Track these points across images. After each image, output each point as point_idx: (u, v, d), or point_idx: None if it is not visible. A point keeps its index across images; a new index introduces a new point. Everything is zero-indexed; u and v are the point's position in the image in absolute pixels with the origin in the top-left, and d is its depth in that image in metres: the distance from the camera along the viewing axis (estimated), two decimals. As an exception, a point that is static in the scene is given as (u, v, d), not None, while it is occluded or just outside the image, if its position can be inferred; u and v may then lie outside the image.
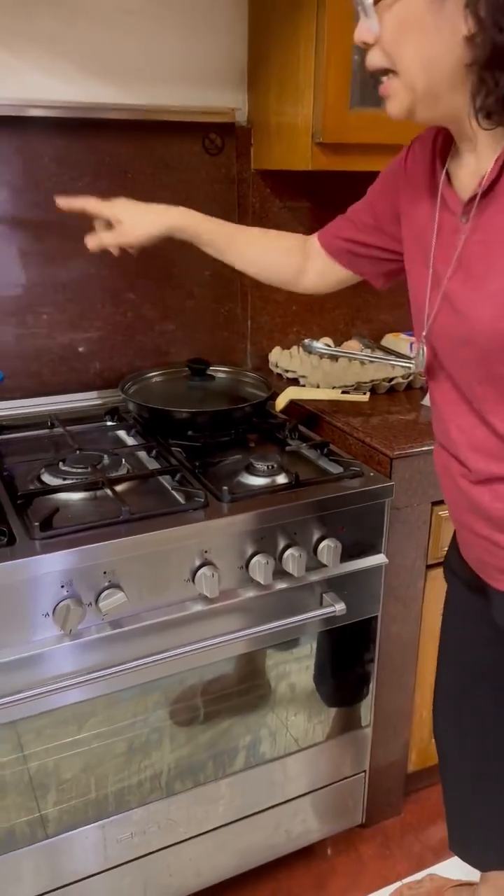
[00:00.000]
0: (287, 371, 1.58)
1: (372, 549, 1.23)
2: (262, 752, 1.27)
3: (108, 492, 1.15)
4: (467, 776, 1.12)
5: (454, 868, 1.40)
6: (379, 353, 1.65)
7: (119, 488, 1.16)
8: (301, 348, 1.63)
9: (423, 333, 0.90)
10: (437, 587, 1.36)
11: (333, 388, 1.47)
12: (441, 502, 1.30)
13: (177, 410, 1.36)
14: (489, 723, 1.07)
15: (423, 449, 1.25)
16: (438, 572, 1.35)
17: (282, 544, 1.15)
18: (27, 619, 1.00)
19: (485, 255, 0.81)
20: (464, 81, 0.75)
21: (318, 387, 1.49)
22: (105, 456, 1.26)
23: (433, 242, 0.88)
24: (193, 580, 1.10)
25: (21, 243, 1.43)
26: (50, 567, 0.99)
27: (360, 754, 1.39)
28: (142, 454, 1.32)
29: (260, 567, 1.12)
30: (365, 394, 1.47)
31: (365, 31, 0.77)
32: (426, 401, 1.44)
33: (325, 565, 1.18)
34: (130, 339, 1.58)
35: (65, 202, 1.17)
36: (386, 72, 0.79)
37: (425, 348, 0.91)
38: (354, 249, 1.10)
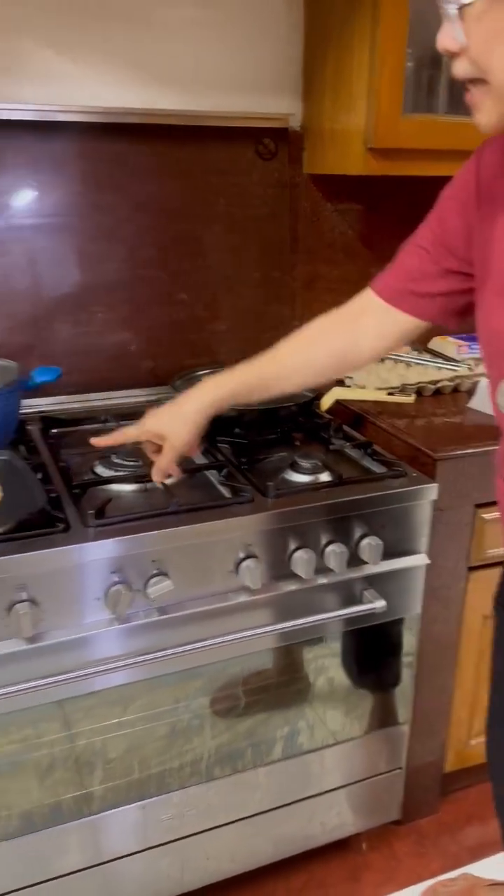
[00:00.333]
0: (334, 372, 1.60)
1: (414, 549, 1.25)
2: (299, 743, 1.30)
3: (158, 484, 1.19)
4: None
5: (490, 869, 1.40)
6: (426, 356, 1.66)
7: (168, 481, 1.21)
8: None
9: None
10: (478, 589, 1.36)
11: (379, 389, 1.49)
12: (485, 504, 1.31)
13: (225, 408, 1.39)
14: None
15: (468, 451, 1.26)
16: (480, 574, 1.36)
17: (324, 540, 1.18)
18: (79, 603, 1.05)
19: None
20: None
21: (363, 388, 1.51)
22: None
23: None
24: (237, 571, 1.13)
25: (79, 244, 1.49)
26: (102, 553, 1.04)
27: (397, 751, 1.40)
28: (190, 450, 1.37)
29: (302, 561, 1.15)
30: (410, 396, 1.48)
31: (449, 39, 0.74)
32: (472, 403, 1.45)
33: (366, 563, 1.20)
34: (181, 339, 1.63)
35: (99, 441, 1.14)
36: (474, 81, 0.75)
37: None
38: (416, 289, 0.99)
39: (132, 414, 1.49)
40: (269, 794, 1.30)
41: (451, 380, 1.54)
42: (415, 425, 1.37)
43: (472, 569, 1.37)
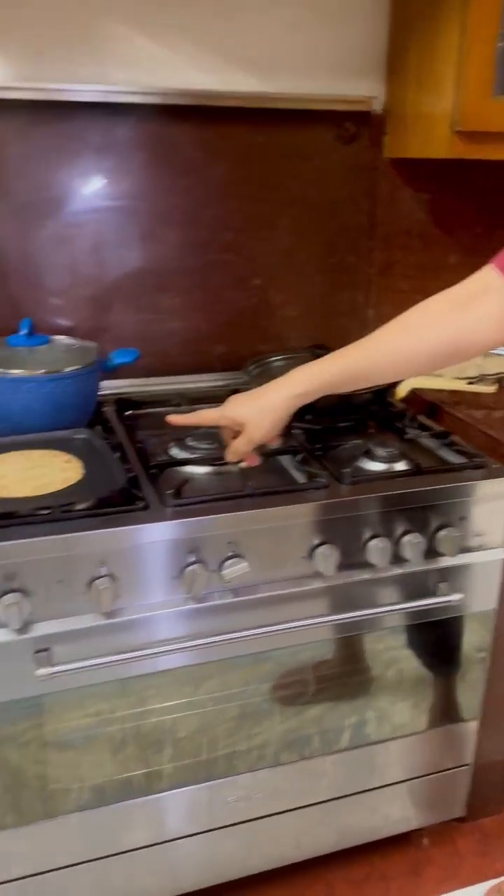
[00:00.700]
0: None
1: (492, 543, 1.22)
2: (366, 733, 1.29)
3: (233, 467, 1.19)
4: None
5: None
6: (502, 347, 1.62)
7: (242, 465, 1.21)
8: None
9: None
10: None
11: (457, 378, 1.46)
12: None
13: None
14: None
15: (550, 444, 1.23)
16: None
17: (400, 530, 1.16)
18: (156, 581, 1.06)
19: None
20: None
21: (440, 376, 1.48)
22: (229, 434, 1.30)
23: None
24: (311, 557, 1.12)
25: (154, 228, 1.49)
26: (180, 533, 1.04)
27: (465, 747, 1.38)
28: (263, 434, 1.36)
29: (377, 550, 1.13)
30: (492, 385, 1.45)
31: None
32: (553, 396, 1.41)
33: (442, 555, 1.18)
34: (254, 324, 1.62)
35: (176, 419, 1.10)
36: None
37: None
38: None
39: (204, 398, 1.49)
40: (335, 783, 1.29)
41: (531, 371, 1.50)
42: (493, 416, 1.34)
43: (549, 565, 1.33)
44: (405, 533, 1.15)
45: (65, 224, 1.44)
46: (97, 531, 1.00)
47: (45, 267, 1.46)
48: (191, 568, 1.05)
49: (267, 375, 1.52)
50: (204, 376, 1.59)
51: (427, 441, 1.33)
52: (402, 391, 1.45)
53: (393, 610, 1.17)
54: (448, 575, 1.20)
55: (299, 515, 1.10)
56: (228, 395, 1.50)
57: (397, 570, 1.17)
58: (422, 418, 1.40)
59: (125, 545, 1.03)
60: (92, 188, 1.44)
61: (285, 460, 1.25)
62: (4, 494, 1.04)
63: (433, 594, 1.20)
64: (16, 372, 1.22)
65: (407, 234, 1.65)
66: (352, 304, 1.66)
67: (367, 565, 1.15)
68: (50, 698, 1.07)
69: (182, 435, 1.28)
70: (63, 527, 1.00)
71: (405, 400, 1.46)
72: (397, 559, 1.16)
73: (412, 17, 1.42)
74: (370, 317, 1.69)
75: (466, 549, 1.20)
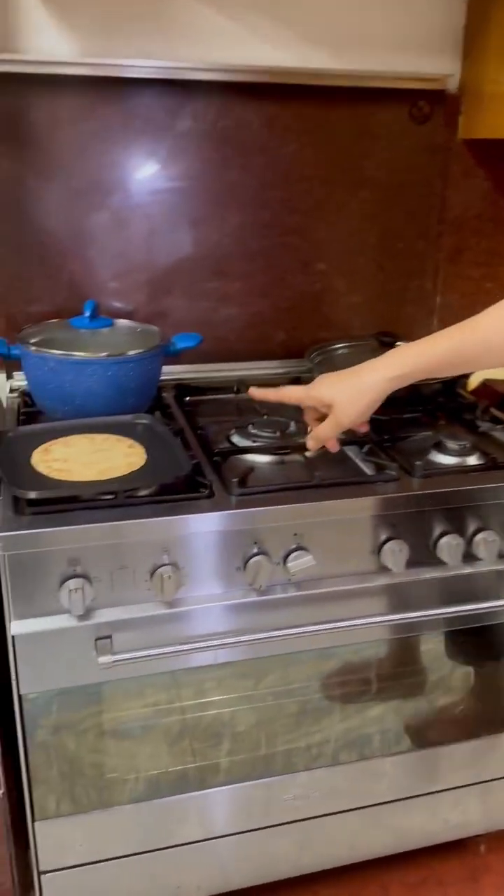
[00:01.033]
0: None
1: None
2: (428, 735, 1.25)
3: (297, 457, 1.15)
4: None
5: None
6: None
7: (308, 453, 1.17)
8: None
9: None
10: None
11: (531, 370, 1.40)
12: None
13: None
14: None
15: None
16: None
17: (472, 527, 1.11)
18: (219, 571, 1.03)
19: None
20: None
21: (513, 368, 1.42)
22: (292, 423, 1.27)
23: None
24: (378, 553, 1.08)
25: (218, 210, 1.45)
26: (245, 523, 1.01)
27: (530, 754, 1.33)
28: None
29: (449, 547, 1.08)
30: None
31: None
32: None
33: (517, 553, 1.13)
34: (316, 310, 1.58)
35: (259, 393, 1.03)
36: None
37: None
38: None
39: (264, 385, 1.45)
40: (394, 785, 1.25)
41: None
42: None
43: None
44: (479, 530, 1.10)
45: (125, 206, 1.41)
46: (161, 518, 0.98)
47: (104, 249, 1.43)
48: (255, 559, 1.02)
49: (329, 364, 1.48)
50: (264, 363, 1.56)
51: (500, 435, 1.27)
52: (473, 382, 1.40)
53: (464, 611, 1.12)
54: (522, 575, 1.15)
55: (368, 509, 1.06)
56: (288, 384, 1.48)
57: (468, 569, 1.12)
58: (494, 411, 1.34)
59: (189, 533, 1.00)
60: (154, 168, 1.41)
61: (351, 451, 1.21)
62: (68, 478, 1.02)
63: (506, 595, 1.15)
64: (79, 354, 1.20)
65: (478, 217, 1.58)
66: (419, 292, 1.61)
67: (437, 563, 1.10)
68: (109, 686, 1.05)
69: (243, 423, 1.25)
70: (127, 513, 0.98)
71: (475, 392, 1.40)
72: (470, 557, 1.11)
73: (494, -11, 1.35)
74: (437, 305, 1.63)
75: (543, 549, 1.14)
